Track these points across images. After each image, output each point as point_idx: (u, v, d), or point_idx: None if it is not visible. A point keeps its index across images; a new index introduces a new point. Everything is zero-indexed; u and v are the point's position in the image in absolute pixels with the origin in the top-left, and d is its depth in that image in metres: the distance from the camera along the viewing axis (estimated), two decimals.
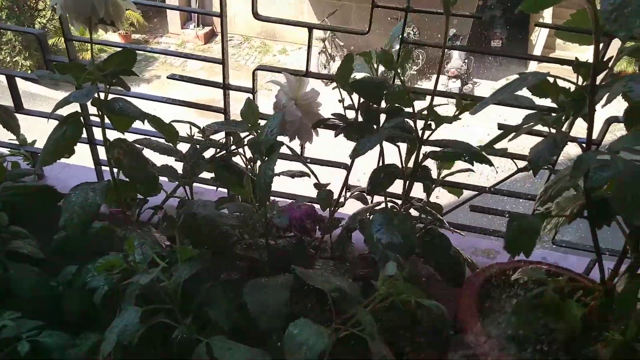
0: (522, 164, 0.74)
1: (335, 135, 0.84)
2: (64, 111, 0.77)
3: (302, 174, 0.87)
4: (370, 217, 0.74)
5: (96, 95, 0.75)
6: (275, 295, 0.71)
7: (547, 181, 0.82)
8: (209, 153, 0.89)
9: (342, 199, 0.87)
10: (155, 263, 0.72)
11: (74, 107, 0.80)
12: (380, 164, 0.85)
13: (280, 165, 0.76)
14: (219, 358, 0.63)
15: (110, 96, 0.77)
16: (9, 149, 1.06)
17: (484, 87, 6.32)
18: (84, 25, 0.76)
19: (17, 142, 1.05)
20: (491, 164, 0.68)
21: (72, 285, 0.84)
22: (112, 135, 0.83)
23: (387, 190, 0.83)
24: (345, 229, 0.87)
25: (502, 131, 0.64)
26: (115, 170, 0.81)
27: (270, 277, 0.76)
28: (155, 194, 0.87)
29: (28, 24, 5.45)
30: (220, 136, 0.93)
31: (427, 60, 6.35)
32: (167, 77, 0.93)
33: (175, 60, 6.86)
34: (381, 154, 0.84)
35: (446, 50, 0.74)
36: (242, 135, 0.88)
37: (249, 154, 0.91)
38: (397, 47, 0.90)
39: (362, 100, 0.82)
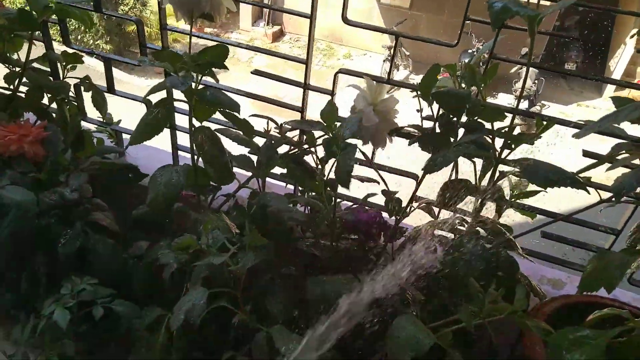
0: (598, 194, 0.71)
1: (409, 144, 0.84)
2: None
3: (371, 180, 0.88)
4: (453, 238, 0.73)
5: None
6: (337, 293, 0.72)
7: (631, 215, 0.78)
8: (281, 149, 0.91)
9: (408, 209, 0.87)
10: (224, 249, 0.75)
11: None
12: (453, 178, 0.84)
13: None
14: (279, 348, 0.65)
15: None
16: (95, 126, 1.13)
17: (552, 111, 6.06)
18: (185, 17, 0.80)
19: (103, 120, 1.12)
20: (588, 192, 0.66)
21: (142, 259, 0.89)
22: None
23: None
24: (409, 240, 0.87)
25: (594, 160, 0.62)
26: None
27: (332, 276, 0.77)
28: (228, 182, 0.90)
29: (113, 10, 5.78)
30: (292, 133, 0.96)
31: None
32: (252, 73, 0.96)
33: (242, 56, 7.05)
34: (455, 167, 0.84)
35: (516, 69, 0.72)
36: (316, 135, 0.90)
37: (320, 154, 0.93)
38: (466, 60, 0.89)
39: (441, 111, 0.81)
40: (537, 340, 0.66)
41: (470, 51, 5.80)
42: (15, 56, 1.03)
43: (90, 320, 0.77)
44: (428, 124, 0.83)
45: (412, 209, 0.87)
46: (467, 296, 0.68)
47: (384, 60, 6.25)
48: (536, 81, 5.97)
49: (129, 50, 6.01)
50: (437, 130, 0.81)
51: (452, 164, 0.82)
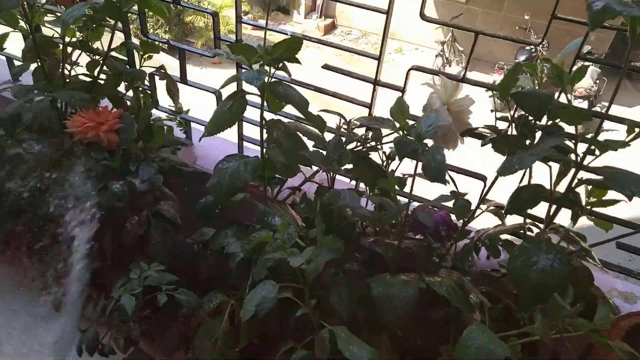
0: None
1: (482, 145, 0.82)
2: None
3: None
4: (518, 244, 0.71)
5: None
6: (402, 293, 0.72)
7: None
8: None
9: (477, 212, 0.85)
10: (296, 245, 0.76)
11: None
12: (524, 183, 0.82)
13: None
14: (342, 350, 0.65)
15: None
16: (166, 115, 1.17)
17: (614, 113, 5.75)
18: (261, 9, 0.81)
19: (174, 109, 1.16)
20: None
21: (206, 246, 0.92)
22: None
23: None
24: (474, 243, 0.85)
25: None
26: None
27: (395, 275, 0.77)
28: (293, 175, 0.91)
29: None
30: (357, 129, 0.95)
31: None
32: (322, 67, 0.96)
33: None
34: (528, 171, 0.81)
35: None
36: (384, 132, 0.89)
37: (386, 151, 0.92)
38: (522, 58, 0.84)
39: (517, 113, 0.79)
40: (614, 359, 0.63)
41: (528, 48, 5.57)
42: (94, 45, 1.08)
43: (155, 304, 0.81)
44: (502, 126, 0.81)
45: (481, 212, 0.86)
46: (538, 307, 0.66)
47: (436, 56, 6.13)
48: (597, 81, 5.68)
49: (186, 40, 6.16)
50: (512, 132, 0.79)
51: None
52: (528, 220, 0.81)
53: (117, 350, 0.87)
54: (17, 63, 1.33)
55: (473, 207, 0.84)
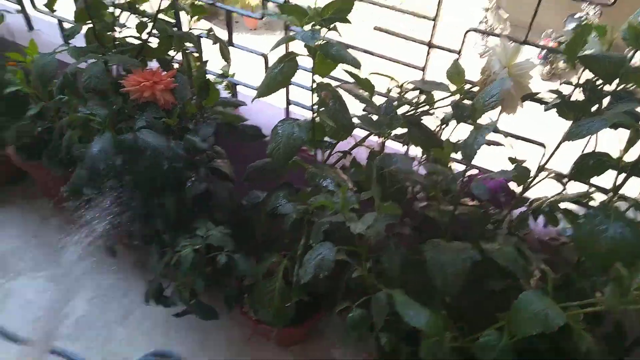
0: None
1: (545, 110, 0.79)
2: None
3: (496, 144, 0.84)
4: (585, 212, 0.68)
5: None
6: (456, 260, 0.71)
7: None
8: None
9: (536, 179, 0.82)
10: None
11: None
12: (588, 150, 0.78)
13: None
14: (401, 313, 0.65)
15: None
16: (213, 77, 1.17)
17: None
18: None
19: (220, 72, 1.15)
20: None
21: (259, 207, 0.93)
22: None
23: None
24: (532, 210, 0.83)
25: None
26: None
27: (450, 242, 0.76)
28: (344, 139, 0.90)
29: None
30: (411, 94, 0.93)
31: None
32: (374, 29, 0.93)
33: None
34: (595, 138, 0.77)
35: None
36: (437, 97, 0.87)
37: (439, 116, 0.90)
38: (571, 26, 0.79)
39: (584, 77, 0.75)
40: None
41: (577, 16, 5.28)
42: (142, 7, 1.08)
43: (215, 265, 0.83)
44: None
45: (541, 179, 0.83)
46: (604, 277, 0.64)
47: (479, 23, 5.89)
48: None
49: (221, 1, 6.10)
50: (577, 97, 0.75)
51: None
52: (592, 189, 0.78)
53: (180, 302, 0.91)
54: (67, 26, 1.35)
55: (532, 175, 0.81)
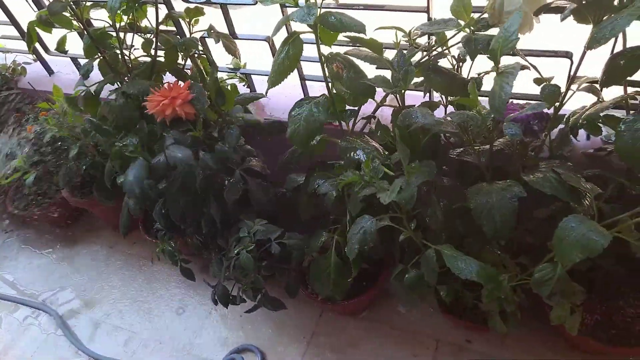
0: None
1: (562, 19, 0.74)
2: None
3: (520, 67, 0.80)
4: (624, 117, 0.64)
5: None
6: (501, 202, 0.69)
7: None
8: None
9: (568, 94, 0.78)
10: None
11: None
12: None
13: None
14: (451, 267, 0.65)
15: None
16: (226, 73, 1.18)
17: None
18: None
19: (231, 67, 1.16)
20: None
21: (299, 191, 0.95)
22: None
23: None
24: (571, 127, 0.79)
25: None
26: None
27: (492, 183, 0.75)
28: (364, 102, 0.89)
29: None
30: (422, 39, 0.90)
31: None
32: None
33: None
34: (622, 37, 0.72)
35: None
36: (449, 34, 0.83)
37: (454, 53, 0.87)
38: None
39: None
40: None
41: None
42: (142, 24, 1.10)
43: (269, 254, 0.86)
44: None
45: (572, 93, 0.79)
46: None
47: None
48: None
49: None
50: None
51: None
52: (631, 90, 0.73)
53: (247, 299, 0.96)
54: (80, 60, 1.40)
55: (562, 90, 0.77)
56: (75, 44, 1.20)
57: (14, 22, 1.38)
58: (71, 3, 1.01)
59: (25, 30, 1.09)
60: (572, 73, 0.78)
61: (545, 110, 0.78)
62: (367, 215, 0.72)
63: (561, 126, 0.82)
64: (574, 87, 0.80)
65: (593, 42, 0.65)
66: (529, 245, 0.73)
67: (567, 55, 0.83)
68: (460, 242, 0.73)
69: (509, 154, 0.78)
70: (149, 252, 1.42)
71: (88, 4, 1.05)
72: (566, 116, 0.79)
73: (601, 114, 0.76)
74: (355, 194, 0.77)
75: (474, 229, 0.69)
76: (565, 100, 0.79)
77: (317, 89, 1.14)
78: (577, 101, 0.83)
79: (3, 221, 1.56)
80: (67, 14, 1.03)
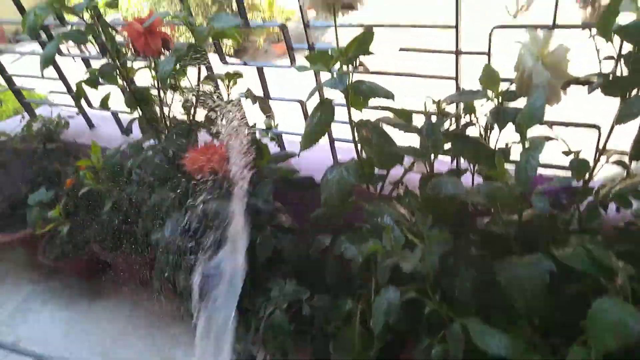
0: None
1: (590, 92, 0.75)
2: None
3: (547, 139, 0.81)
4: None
5: None
6: (532, 275, 0.68)
7: None
8: None
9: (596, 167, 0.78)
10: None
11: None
12: None
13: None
14: (477, 342, 0.63)
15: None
16: (257, 132, 1.22)
17: None
18: (327, 10, 0.81)
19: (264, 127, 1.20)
20: None
21: (327, 253, 0.95)
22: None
23: None
24: (600, 200, 0.78)
25: None
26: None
27: (521, 256, 0.73)
28: (392, 167, 0.91)
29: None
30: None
31: None
32: (399, 50, 0.94)
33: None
34: None
35: None
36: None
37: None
38: None
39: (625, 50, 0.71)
40: None
41: None
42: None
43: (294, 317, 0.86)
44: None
45: (601, 166, 0.79)
46: None
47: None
48: None
49: (248, 40, 6.24)
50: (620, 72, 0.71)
51: None
52: None
53: None
54: (120, 115, 1.48)
55: (590, 162, 0.78)
56: (116, 100, 1.27)
57: (62, 77, 1.47)
58: (119, 65, 1.09)
59: (74, 87, 1.17)
60: (600, 145, 0.79)
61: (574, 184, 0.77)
62: (392, 286, 0.72)
63: (590, 198, 0.81)
64: (602, 159, 0.80)
65: (621, 118, 0.66)
66: (558, 323, 0.70)
67: (596, 127, 0.83)
68: (487, 317, 0.71)
69: (538, 226, 0.77)
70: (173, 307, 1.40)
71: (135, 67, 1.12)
72: (595, 189, 0.79)
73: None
74: (381, 266, 0.77)
75: (501, 303, 0.68)
76: (594, 174, 0.79)
77: (345, 150, 1.17)
78: (605, 170, 0.83)
79: (33, 272, 1.58)
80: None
